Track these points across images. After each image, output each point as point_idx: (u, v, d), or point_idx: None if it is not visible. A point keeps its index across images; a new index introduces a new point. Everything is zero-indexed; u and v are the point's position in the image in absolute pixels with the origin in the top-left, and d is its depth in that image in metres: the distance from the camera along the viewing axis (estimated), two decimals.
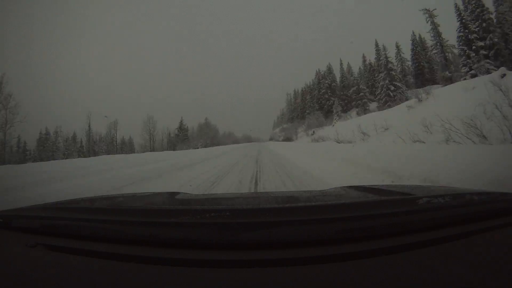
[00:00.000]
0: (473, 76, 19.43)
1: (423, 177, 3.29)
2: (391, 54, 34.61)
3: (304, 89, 55.31)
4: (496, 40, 22.55)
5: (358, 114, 34.37)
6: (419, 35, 34.94)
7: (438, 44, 28.96)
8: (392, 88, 30.68)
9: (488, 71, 18.35)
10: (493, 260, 0.53)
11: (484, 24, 22.97)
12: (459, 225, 0.64)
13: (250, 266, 0.52)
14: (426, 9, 29.29)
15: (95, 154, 38.40)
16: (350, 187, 1.24)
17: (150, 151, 39.00)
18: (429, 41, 31.88)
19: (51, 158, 35.30)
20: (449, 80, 23.40)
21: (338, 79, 46.05)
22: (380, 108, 28.99)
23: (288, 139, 42.69)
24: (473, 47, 22.36)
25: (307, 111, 48.86)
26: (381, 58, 33.90)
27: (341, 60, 45.48)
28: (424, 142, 7.10)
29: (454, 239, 0.59)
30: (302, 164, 7.48)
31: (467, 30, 23.14)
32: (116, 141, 48.41)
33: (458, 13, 24.09)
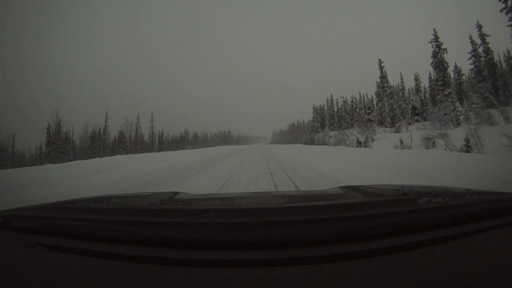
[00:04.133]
0: None
1: None
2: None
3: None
4: None
5: None
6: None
7: None
8: None
9: None
10: (493, 260, 0.53)
11: None
12: (459, 225, 0.64)
13: (250, 266, 0.52)
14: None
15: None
16: (350, 187, 1.24)
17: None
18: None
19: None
20: None
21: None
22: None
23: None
24: None
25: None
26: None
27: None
28: None
29: (454, 239, 0.59)
30: None
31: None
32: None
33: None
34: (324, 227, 0.60)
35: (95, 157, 17.44)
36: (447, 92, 23.09)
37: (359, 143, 23.34)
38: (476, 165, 4.41)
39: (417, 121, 28.47)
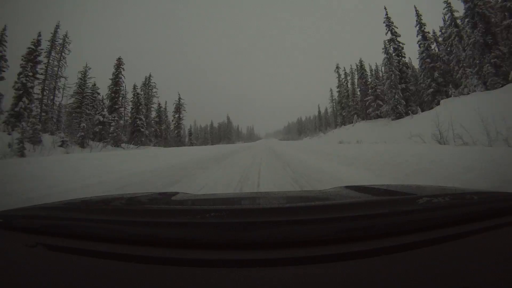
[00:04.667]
0: None
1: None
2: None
3: None
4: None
5: None
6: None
7: None
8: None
9: None
10: (493, 260, 0.53)
11: None
12: (459, 225, 0.64)
13: (250, 266, 0.52)
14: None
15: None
16: (350, 187, 1.25)
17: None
18: None
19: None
20: None
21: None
22: None
23: None
24: None
25: None
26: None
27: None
28: None
29: (454, 239, 0.59)
30: None
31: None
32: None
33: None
34: (324, 227, 0.60)
35: None
36: None
37: None
38: None
39: None
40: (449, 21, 21.29)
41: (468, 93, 16.40)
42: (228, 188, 4.06)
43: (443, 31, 23.02)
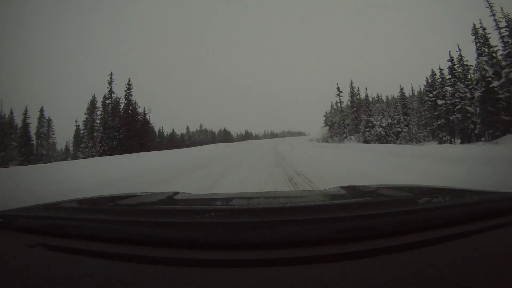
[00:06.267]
0: None
1: None
2: None
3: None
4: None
5: None
6: None
7: None
8: None
9: None
10: (493, 260, 0.53)
11: None
12: (459, 225, 0.64)
13: (250, 266, 0.52)
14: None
15: None
16: (350, 187, 1.25)
17: None
18: None
19: None
20: None
21: None
22: None
23: None
24: None
25: None
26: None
27: None
28: None
29: (454, 239, 0.59)
30: None
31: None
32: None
33: None
34: (324, 227, 0.60)
35: None
36: None
37: None
38: None
39: None
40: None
41: None
42: None
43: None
